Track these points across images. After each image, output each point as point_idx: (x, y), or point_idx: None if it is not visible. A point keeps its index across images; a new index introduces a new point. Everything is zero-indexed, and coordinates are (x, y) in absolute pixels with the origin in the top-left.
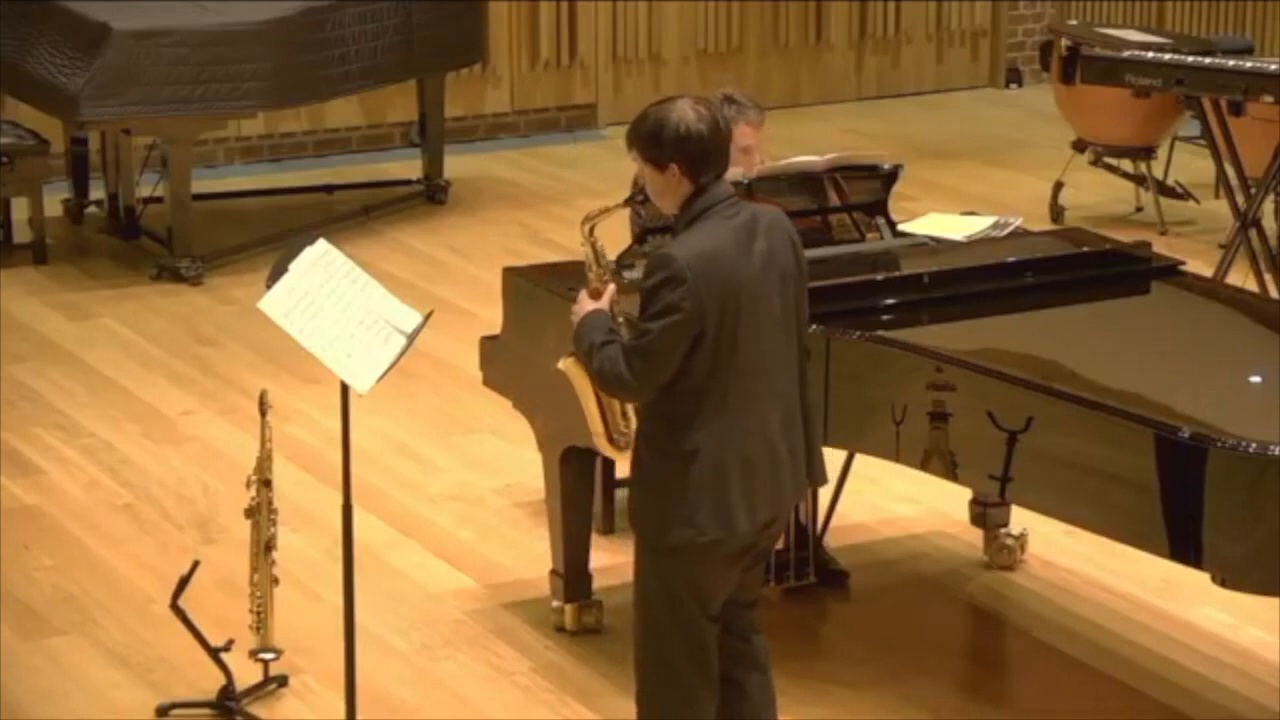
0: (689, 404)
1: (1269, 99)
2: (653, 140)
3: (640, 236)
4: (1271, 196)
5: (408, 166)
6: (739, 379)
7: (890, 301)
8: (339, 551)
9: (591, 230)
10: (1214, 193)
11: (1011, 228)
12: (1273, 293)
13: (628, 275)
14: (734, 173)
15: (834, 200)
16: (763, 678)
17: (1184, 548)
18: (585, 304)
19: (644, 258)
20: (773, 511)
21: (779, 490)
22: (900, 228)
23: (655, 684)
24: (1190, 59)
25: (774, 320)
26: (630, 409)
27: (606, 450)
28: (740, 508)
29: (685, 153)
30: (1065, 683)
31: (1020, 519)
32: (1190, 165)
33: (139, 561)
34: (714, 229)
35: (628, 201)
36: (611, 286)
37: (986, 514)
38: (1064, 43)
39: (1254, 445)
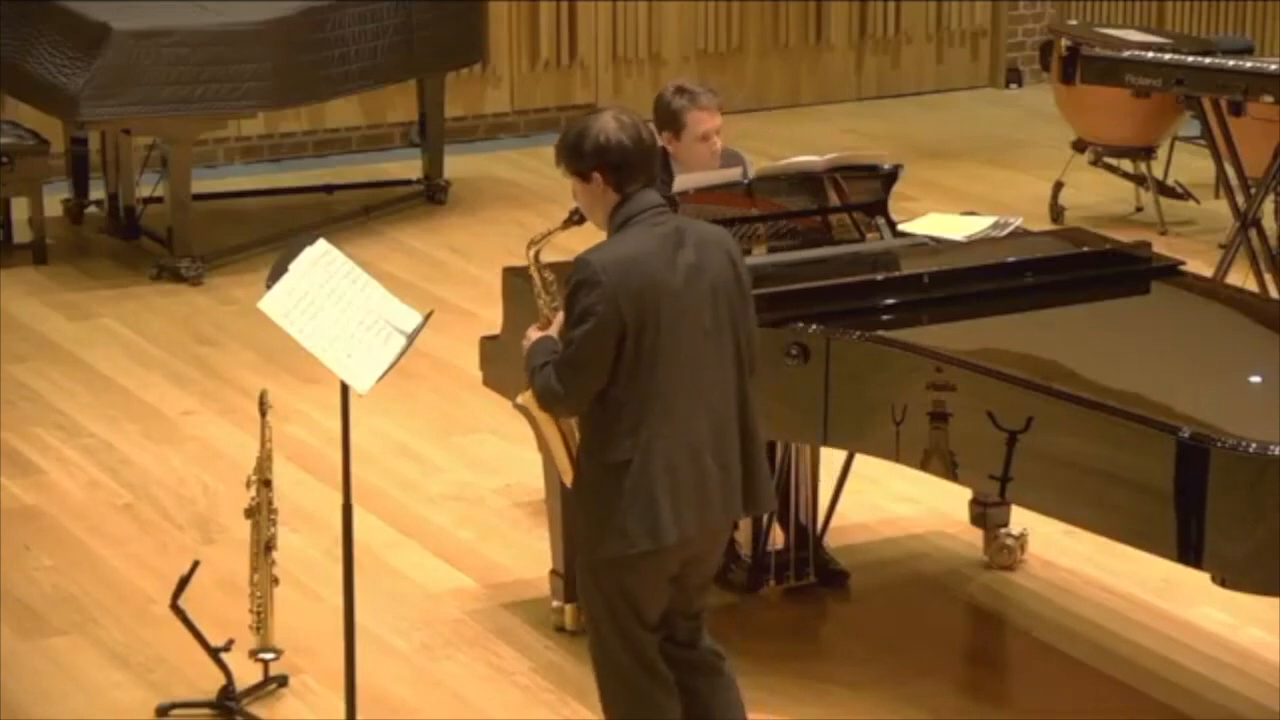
0: (614, 413)
1: (1269, 99)
2: (574, 151)
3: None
4: (1271, 196)
5: (408, 166)
6: (661, 388)
7: (890, 301)
8: (339, 551)
9: (537, 256)
10: (1214, 193)
11: (1011, 228)
12: (1273, 293)
13: None
14: (732, 173)
15: (834, 200)
16: (716, 679)
17: (1184, 547)
18: (533, 335)
19: None
20: (700, 526)
21: (706, 504)
22: (900, 228)
23: (611, 690)
24: (1190, 59)
25: (702, 332)
26: None
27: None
28: (668, 519)
29: (606, 161)
30: (1065, 683)
31: (1020, 519)
32: (1190, 165)
33: (139, 561)
34: (636, 235)
35: (566, 223)
36: (560, 315)
37: (986, 514)
38: (1064, 43)
39: (1254, 445)
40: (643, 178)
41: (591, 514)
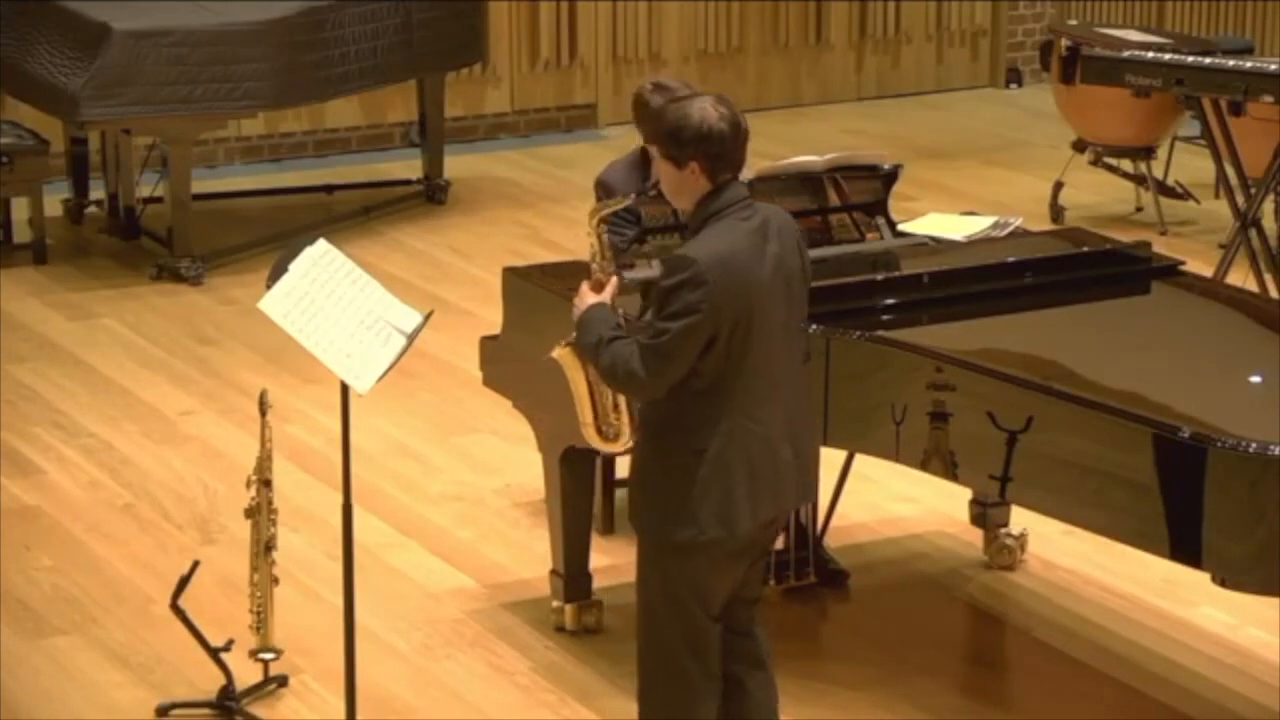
0: (697, 404)
1: (1269, 99)
2: (674, 138)
3: (639, 237)
4: (1271, 196)
5: (408, 166)
6: (746, 381)
7: (890, 301)
8: (339, 551)
9: (600, 223)
10: (1214, 193)
11: (1011, 228)
12: (1273, 293)
13: (628, 275)
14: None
15: (834, 200)
16: (764, 675)
17: (1184, 548)
18: (587, 296)
19: (644, 257)
20: (774, 512)
21: (781, 492)
22: (900, 228)
23: (656, 681)
24: (1190, 59)
25: (780, 324)
26: (621, 401)
27: (594, 440)
28: (743, 508)
29: (706, 152)
30: (1065, 683)
31: (1020, 519)
32: (1190, 165)
33: (139, 561)
34: (730, 231)
35: (638, 195)
36: (614, 280)
37: (986, 514)
38: (1064, 43)
39: (1254, 445)
40: (734, 169)
41: (662, 500)
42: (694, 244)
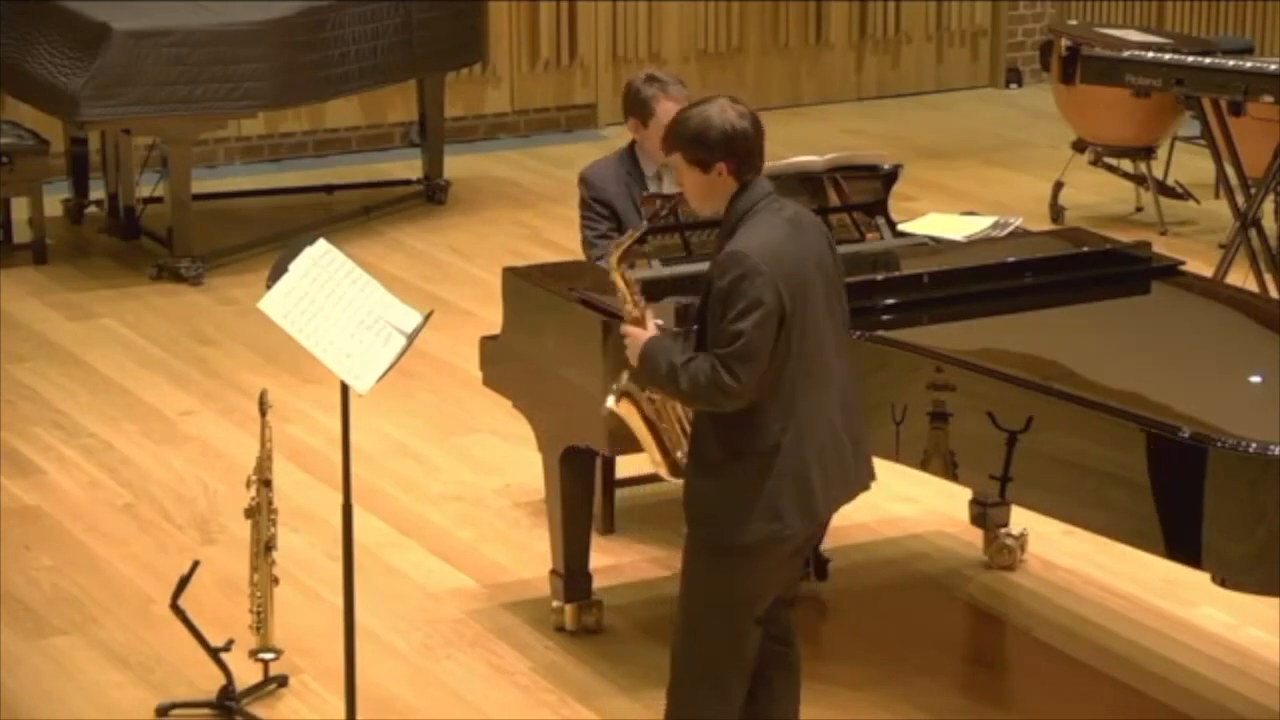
0: (766, 399)
1: (1269, 99)
2: (699, 142)
3: (641, 237)
4: (1271, 196)
5: (408, 166)
6: (805, 370)
7: (890, 301)
8: (339, 551)
9: (619, 261)
10: (1214, 193)
11: (1011, 228)
12: (1273, 293)
13: (630, 275)
14: None
15: (834, 200)
16: (794, 678)
17: (1183, 548)
18: (638, 334)
19: (645, 257)
20: (844, 498)
21: (846, 478)
22: (900, 228)
23: (688, 679)
24: (1190, 59)
25: (826, 312)
26: (688, 423)
27: (671, 476)
28: (820, 497)
29: (733, 151)
30: (1065, 683)
31: (1020, 519)
32: (1190, 165)
33: (139, 561)
34: (769, 222)
35: (654, 216)
36: (650, 311)
37: (986, 514)
38: (1064, 43)
39: (1254, 445)
40: (756, 168)
41: (732, 501)
42: (738, 240)
